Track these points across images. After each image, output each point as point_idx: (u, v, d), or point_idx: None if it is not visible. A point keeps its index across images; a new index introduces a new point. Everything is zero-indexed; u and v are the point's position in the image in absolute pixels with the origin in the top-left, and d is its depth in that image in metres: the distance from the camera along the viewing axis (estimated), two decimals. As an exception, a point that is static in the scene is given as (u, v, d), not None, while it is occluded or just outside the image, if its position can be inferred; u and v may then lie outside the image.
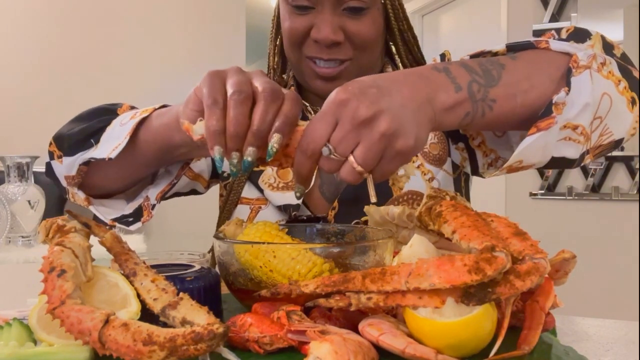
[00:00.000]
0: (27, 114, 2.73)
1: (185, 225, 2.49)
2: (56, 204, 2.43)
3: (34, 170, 1.93)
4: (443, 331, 0.45)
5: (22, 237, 1.87)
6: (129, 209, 0.81)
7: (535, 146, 0.61)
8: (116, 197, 0.83)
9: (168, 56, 3.01)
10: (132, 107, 0.82)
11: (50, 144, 0.81)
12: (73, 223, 0.59)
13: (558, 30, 0.71)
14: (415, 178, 0.85)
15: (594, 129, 0.64)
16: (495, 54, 0.67)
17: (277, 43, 0.96)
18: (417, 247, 0.54)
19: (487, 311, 0.45)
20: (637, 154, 2.55)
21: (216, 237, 0.62)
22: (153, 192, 0.80)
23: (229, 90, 0.54)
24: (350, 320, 0.52)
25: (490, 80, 0.61)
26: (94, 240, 0.58)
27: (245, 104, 0.53)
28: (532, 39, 0.68)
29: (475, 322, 0.45)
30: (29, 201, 1.85)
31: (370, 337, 0.47)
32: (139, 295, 0.52)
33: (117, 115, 0.78)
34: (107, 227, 0.60)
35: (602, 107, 0.63)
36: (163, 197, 0.83)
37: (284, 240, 0.61)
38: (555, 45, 0.66)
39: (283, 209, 0.87)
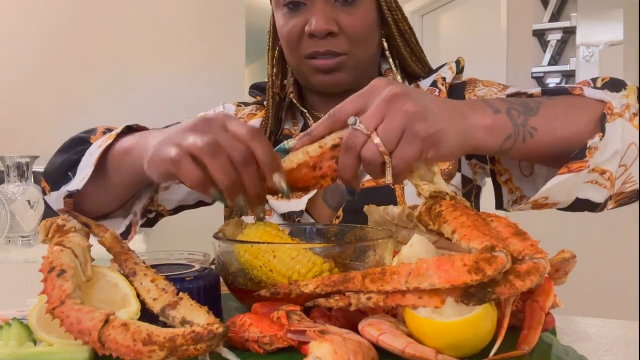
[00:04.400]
0: (27, 114, 2.73)
1: (185, 225, 2.49)
2: (56, 204, 2.43)
3: (34, 170, 1.93)
4: (443, 331, 0.45)
5: (22, 237, 1.87)
6: (123, 227, 0.82)
7: (563, 186, 0.61)
8: (114, 215, 0.83)
9: (168, 56, 3.01)
10: (107, 130, 0.82)
11: (42, 180, 0.83)
12: (73, 223, 0.59)
13: (594, 80, 0.72)
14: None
15: (619, 176, 0.65)
16: (531, 95, 0.68)
17: (275, 54, 0.97)
18: (417, 247, 0.54)
19: (487, 311, 0.45)
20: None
21: (216, 237, 0.62)
22: (138, 207, 0.81)
23: (216, 169, 0.53)
24: (350, 320, 0.52)
25: (529, 110, 0.62)
26: (94, 240, 0.58)
27: (234, 175, 0.54)
28: (566, 85, 0.69)
29: (475, 322, 0.45)
30: (28, 201, 1.85)
31: (370, 337, 0.47)
32: (139, 295, 0.52)
33: (90, 144, 0.79)
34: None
35: (629, 156, 0.64)
36: (156, 212, 0.85)
37: (284, 241, 0.61)
38: (590, 92, 0.66)
39: (287, 216, 0.88)
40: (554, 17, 2.85)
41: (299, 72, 0.92)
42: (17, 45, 2.75)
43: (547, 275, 0.52)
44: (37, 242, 1.88)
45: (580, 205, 0.66)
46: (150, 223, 0.94)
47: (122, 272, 0.55)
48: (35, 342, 0.50)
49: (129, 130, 0.74)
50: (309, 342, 0.45)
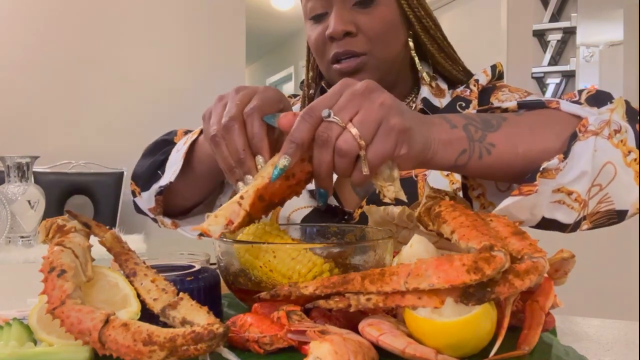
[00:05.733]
0: (27, 114, 2.73)
1: (185, 225, 2.49)
2: (56, 204, 2.43)
3: (34, 170, 1.93)
4: (442, 331, 0.45)
5: (22, 237, 1.86)
6: None
7: (520, 205, 0.59)
8: (196, 212, 0.91)
9: (168, 56, 3.01)
10: (186, 132, 0.91)
11: (131, 183, 0.91)
12: (73, 223, 0.59)
13: (581, 91, 0.70)
14: (443, 186, 0.84)
15: (592, 195, 0.62)
16: (506, 110, 0.67)
17: (311, 60, 1.01)
18: (417, 247, 0.54)
19: (486, 311, 0.45)
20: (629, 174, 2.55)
21: (216, 237, 0.62)
22: (223, 200, 0.88)
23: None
24: (350, 320, 0.52)
25: (489, 126, 0.61)
26: (94, 240, 0.58)
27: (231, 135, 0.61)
28: (543, 98, 0.67)
29: (475, 321, 0.45)
30: (29, 201, 1.85)
31: (370, 337, 0.47)
32: (139, 295, 0.52)
33: (174, 144, 0.87)
34: (108, 227, 0.60)
35: (604, 175, 0.61)
36: None
37: (284, 240, 0.61)
38: (566, 106, 0.65)
39: (314, 193, 0.88)
40: (554, 17, 2.85)
41: (329, 78, 0.94)
42: (17, 46, 2.75)
43: (546, 275, 0.52)
44: (37, 242, 1.88)
45: (548, 225, 0.64)
46: None
47: (122, 272, 0.55)
48: (35, 342, 0.50)
49: None
50: (309, 342, 0.45)
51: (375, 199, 0.84)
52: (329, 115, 0.52)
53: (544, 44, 2.88)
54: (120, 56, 2.92)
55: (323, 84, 1.00)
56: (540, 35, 2.89)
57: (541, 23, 2.87)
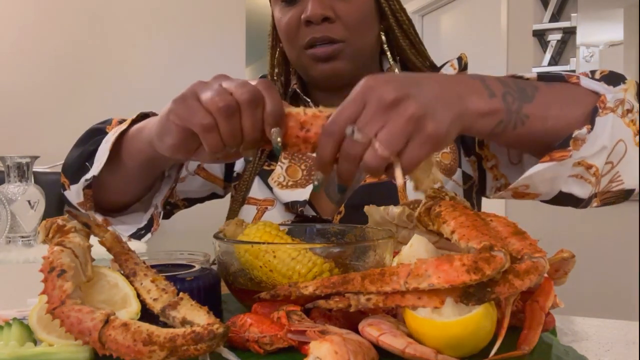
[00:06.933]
0: (27, 114, 2.73)
1: (185, 225, 2.49)
2: (56, 204, 2.43)
3: (34, 170, 1.93)
4: (442, 331, 0.45)
5: (22, 237, 1.87)
6: (144, 220, 0.83)
7: (544, 175, 0.61)
8: (133, 209, 0.85)
9: (168, 56, 3.01)
10: (121, 121, 0.84)
11: (61, 175, 0.84)
12: (73, 223, 0.59)
13: (593, 72, 0.71)
14: None
15: (604, 173, 0.64)
16: (527, 80, 0.67)
17: (276, 54, 0.98)
18: (417, 247, 0.54)
19: (486, 311, 0.45)
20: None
21: (216, 237, 0.62)
22: (158, 199, 0.82)
23: (215, 106, 0.53)
24: (350, 320, 0.52)
25: (525, 97, 0.61)
26: (94, 240, 0.58)
27: (234, 118, 0.53)
28: (563, 72, 0.68)
29: (475, 321, 0.45)
30: (29, 201, 1.85)
31: (370, 337, 0.47)
32: (139, 295, 0.52)
33: (106, 133, 0.80)
34: (108, 227, 0.60)
35: (616, 153, 0.63)
36: (171, 203, 0.86)
37: (284, 241, 0.61)
38: (586, 82, 0.66)
39: (290, 206, 0.87)
40: (554, 17, 2.85)
41: (300, 66, 0.91)
42: (17, 46, 2.75)
43: (546, 275, 0.52)
44: (37, 242, 1.88)
45: (563, 199, 0.65)
46: (166, 215, 0.94)
47: (122, 272, 0.55)
48: (35, 342, 0.50)
49: (144, 117, 0.76)
50: (309, 342, 0.45)
51: (364, 202, 0.83)
52: (352, 133, 0.51)
53: (544, 44, 2.88)
54: (119, 56, 2.91)
55: (295, 87, 0.95)
56: (540, 35, 2.89)
57: (541, 23, 2.87)
